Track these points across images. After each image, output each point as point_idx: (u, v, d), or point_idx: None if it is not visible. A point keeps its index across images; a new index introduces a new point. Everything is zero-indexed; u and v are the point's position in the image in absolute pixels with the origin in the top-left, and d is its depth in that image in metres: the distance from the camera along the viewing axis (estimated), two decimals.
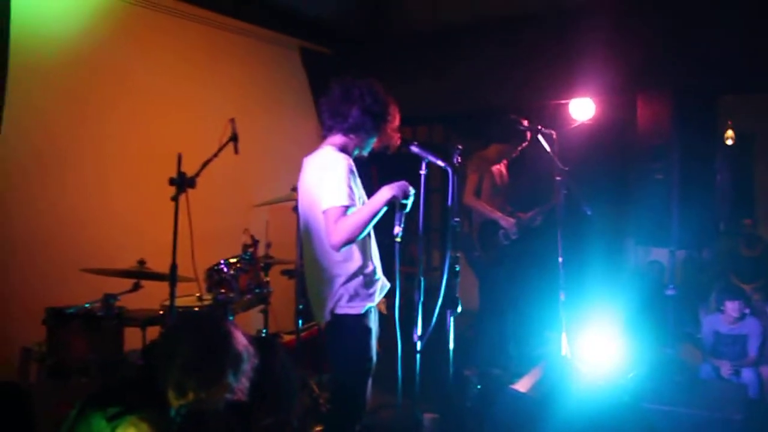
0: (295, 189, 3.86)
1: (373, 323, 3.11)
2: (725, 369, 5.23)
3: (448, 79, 6.31)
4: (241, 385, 2.31)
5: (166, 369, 2.25)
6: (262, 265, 4.37)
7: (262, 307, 4.41)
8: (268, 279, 4.39)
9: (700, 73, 5.34)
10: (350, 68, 3.30)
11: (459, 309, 3.23)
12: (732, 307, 5.33)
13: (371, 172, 5.26)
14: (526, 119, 5.00)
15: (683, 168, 5.42)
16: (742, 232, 6.80)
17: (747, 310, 5.48)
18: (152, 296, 3.96)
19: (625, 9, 5.45)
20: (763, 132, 7.61)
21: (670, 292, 5.33)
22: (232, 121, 3.81)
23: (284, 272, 4.62)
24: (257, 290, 4.22)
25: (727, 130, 7.12)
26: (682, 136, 5.45)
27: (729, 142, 7.21)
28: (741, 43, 4.99)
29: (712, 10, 5.11)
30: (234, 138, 3.79)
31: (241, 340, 2.33)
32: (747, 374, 5.19)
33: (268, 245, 4.62)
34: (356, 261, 3.01)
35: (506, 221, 5.18)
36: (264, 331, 4.46)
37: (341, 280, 3.00)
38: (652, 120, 5.51)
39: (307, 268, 3.21)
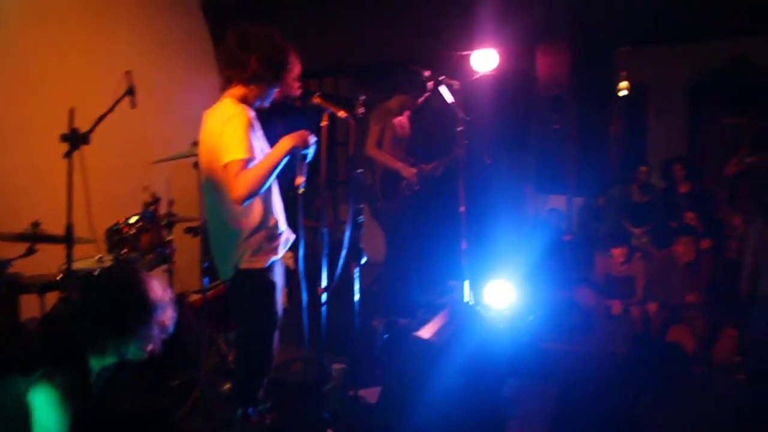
0: (196, 144, 3.75)
1: (278, 277, 3.11)
2: (616, 307, 5.58)
3: (353, 30, 6.25)
4: (155, 334, 2.29)
5: (80, 324, 2.20)
6: (164, 223, 4.26)
7: (166, 266, 4.30)
8: (171, 237, 4.28)
9: (596, 26, 5.52)
10: (253, 17, 3.20)
11: (363, 260, 3.28)
12: (617, 252, 5.70)
13: (275, 125, 5.17)
14: (427, 70, 5.02)
15: (580, 118, 5.63)
16: (636, 178, 7.15)
17: (638, 255, 5.85)
18: (49, 260, 3.80)
19: None
20: (655, 82, 7.98)
21: (567, 238, 5.59)
22: (128, 73, 3.65)
23: (188, 230, 4.51)
24: (160, 249, 4.12)
25: (621, 81, 7.42)
26: (579, 87, 5.64)
27: (623, 92, 7.53)
28: None
29: None
30: (130, 91, 3.64)
31: (155, 289, 2.30)
32: (635, 312, 5.55)
33: (171, 202, 4.49)
34: (258, 214, 2.98)
35: (408, 172, 5.25)
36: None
37: (244, 234, 2.98)
38: (551, 71, 5.67)
39: (209, 224, 3.16)
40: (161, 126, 5.60)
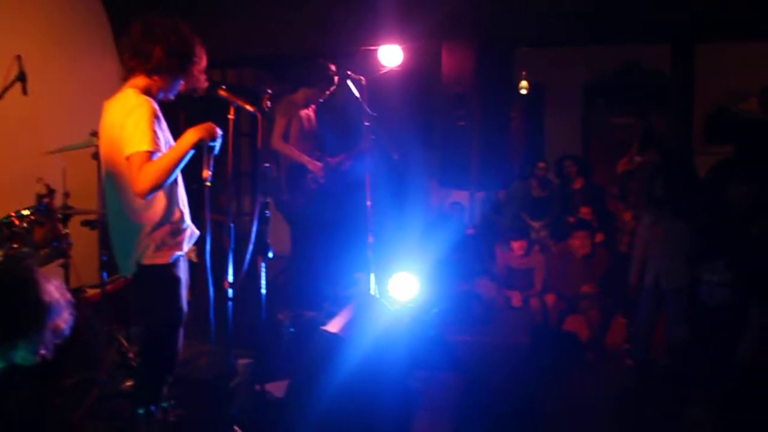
0: (95, 134, 3.63)
1: (182, 272, 3.05)
2: (516, 299, 5.79)
3: (256, 20, 6.16)
4: (47, 339, 2.17)
5: None
6: (59, 216, 4.08)
7: (61, 261, 4.13)
8: (67, 231, 4.10)
9: (498, 26, 5.69)
10: (154, 5, 3.11)
11: (270, 254, 3.27)
12: (517, 246, 5.94)
13: (179, 117, 5.07)
14: (334, 64, 5.05)
15: (483, 115, 5.80)
16: (535, 174, 7.42)
17: (537, 248, 6.10)
18: None
19: None
20: (553, 82, 8.32)
21: (469, 232, 5.76)
22: (19, 57, 3.48)
23: (85, 223, 4.35)
24: (55, 243, 3.95)
25: (521, 80, 7.70)
26: (482, 85, 5.80)
27: (523, 91, 7.81)
28: None
29: None
30: (21, 77, 3.47)
31: (49, 290, 2.18)
32: (534, 303, 5.79)
33: (66, 195, 4.30)
34: (162, 208, 2.91)
35: (314, 165, 5.26)
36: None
37: (147, 229, 2.90)
38: (456, 69, 5.81)
39: (110, 218, 3.06)
40: (56, 114, 5.35)
